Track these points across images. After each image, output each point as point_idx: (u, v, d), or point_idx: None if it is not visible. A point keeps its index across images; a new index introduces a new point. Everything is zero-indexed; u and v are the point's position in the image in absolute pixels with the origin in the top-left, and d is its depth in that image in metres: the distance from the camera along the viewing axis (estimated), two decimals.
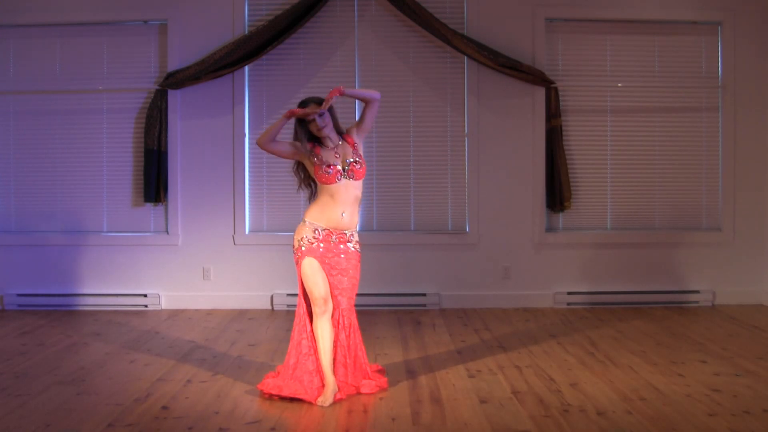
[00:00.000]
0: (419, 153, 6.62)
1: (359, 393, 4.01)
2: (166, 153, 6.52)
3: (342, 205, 4.00)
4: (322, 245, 3.99)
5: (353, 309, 4.10)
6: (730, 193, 6.65)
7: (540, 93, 6.55)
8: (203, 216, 6.59)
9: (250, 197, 6.62)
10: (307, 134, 4.03)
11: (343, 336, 4.04)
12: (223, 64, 6.35)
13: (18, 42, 6.62)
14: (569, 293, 6.57)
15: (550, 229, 6.67)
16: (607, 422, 3.55)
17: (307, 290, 3.99)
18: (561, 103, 6.57)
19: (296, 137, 4.04)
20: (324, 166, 3.97)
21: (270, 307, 6.57)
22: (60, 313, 6.38)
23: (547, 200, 6.60)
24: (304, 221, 4.03)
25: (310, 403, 3.83)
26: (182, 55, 6.52)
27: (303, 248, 3.98)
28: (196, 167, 6.59)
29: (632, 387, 4.10)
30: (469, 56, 6.42)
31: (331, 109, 4.04)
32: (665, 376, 4.32)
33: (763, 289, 6.62)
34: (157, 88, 6.49)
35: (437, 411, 3.74)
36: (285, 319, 6.04)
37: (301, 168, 4.14)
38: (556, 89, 6.49)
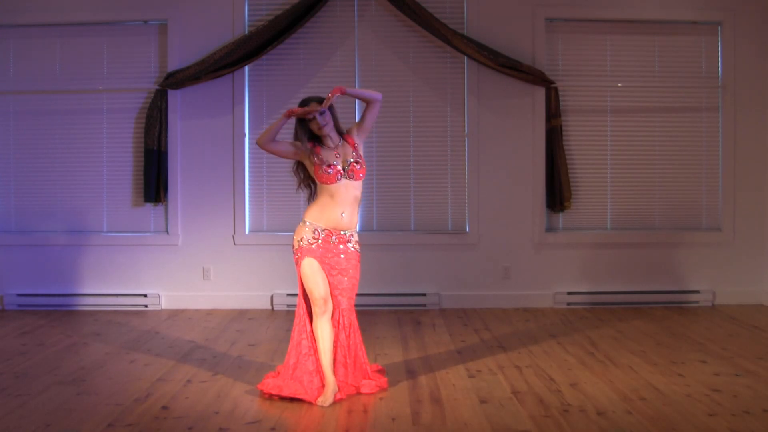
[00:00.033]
0: (419, 153, 6.62)
1: (359, 393, 4.01)
2: (166, 153, 6.52)
3: (342, 206, 4.00)
4: (321, 245, 3.99)
5: (353, 309, 4.10)
6: (730, 193, 6.65)
7: (540, 93, 6.55)
8: (203, 216, 6.59)
9: (250, 197, 6.63)
10: (308, 134, 4.03)
11: (343, 336, 4.04)
12: (223, 64, 6.35)
13: (18, 42, 6.62)
14: (569, 293, 6.57)
15: (550, 229, 6.67)
16: (607, 422, 3.55)
17: (307, 290, 3.99)
18: (561, 103, 6.57)
19: (296, 137, 4.04)
20: (324, 166, 3.97)
21: (270, 307, 6.57)
22: (60, 313, 6.38)
23: (547, 200, 6.60)
24: (304, 221, 4.03)
25: (310, 403, 3.83)
26: (182, 55, 6.52)
27: (303, 248, 3.98)
28: (196, 167, 6.60)
29: (632, 387, 4.10)
30: (469, 56, 6.42)
31: (331, 109, 4.04)
32: (665, 376, 4.32)
33: (763, 289, 6.62)
34: (157, 88, 6.49)
35: (437, 411, 3.74)
36: (285, 319, 6.04)
37: (300, 168, 4.14)
38: (556, 89, 6.49)
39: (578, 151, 6.66)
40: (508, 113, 6.59)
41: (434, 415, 3.68)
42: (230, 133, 6.57)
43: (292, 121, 4.05)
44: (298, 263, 4.01)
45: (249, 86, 6.59)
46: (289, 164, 4.26)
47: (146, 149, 6.46)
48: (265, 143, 3.96)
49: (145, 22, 6.61)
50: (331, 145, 4.04)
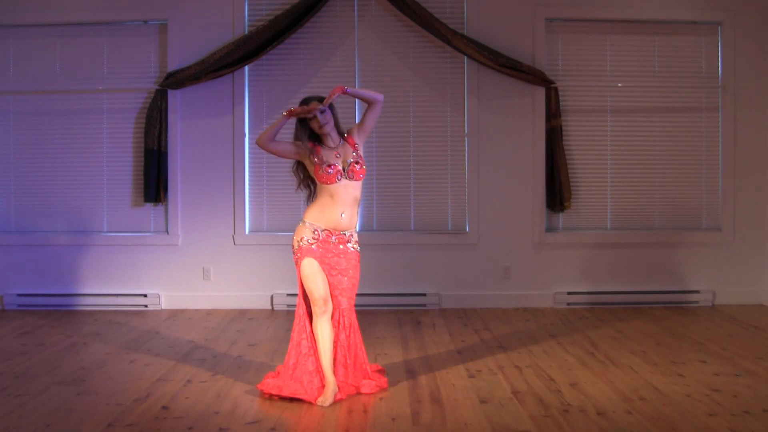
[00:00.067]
0: (419, 153, 6.62)
1: (359, 393, 4.01)
2: (166, 153, 6.52)
3: (341, 206, 4.00)
4: (321, 246, 3.99)
5: (353, 309, 4.10)
6: (730, 193, 6.65)
7: (540, 93, 6.55)
8: (203, 216, 6.59)
9: (250, 197, 6.63)
10: (308, 133, 4.03)
11: (343, 336, 4.04)
12: (223, 64, 6.35)
13: (18, 42, 6.62)
14: (569, 293, 6.57)
15: (550, 229, 6.67)
16: (607, 422, 3.55)
17: (307, 291, 3.98)
18: (561, 103, 6.57)
19: (297, 136, 4.04)
20: (324, 166, 3.97)
21: (270, 307, 6.57)
22: (60, 313, 6.38)
23: (547, 200, 6.60)
24: (304, 222, 4.03)
25: (310, 403, 3.83)
26: (182, 55, 6.52)
27: (303, 248, 3.98)
28: (196, 167, 6.60)
29: (632, 387, 4.10)
30: (469, 56, 6.43)
31: (332, 108, 4.04)
32: (665, 376, 4.32)
33: (763, 289, 6.62)
34: (157, 88, 6.49)
35: (437, 411, 3.74)
36: (285, 319, 6.04)
37: (300, 168, 4.14)
38: (556, 89, 6.49)
39: (578, 151, 6.66)
40: (508, 113, 6.59)
41: (434, 415, 3.68)
42: (230, 133, 6.57)
43: (293, 121, 4.06)
44: (297, 263, 4.01)
45: (249, 86, 6.59)
46: (289, 164, 4.26)
47: (146, 149, 6.46)
48: (264, 143, 3.96)
49: (145, 22, 6.61)
50: (332, 145, 4.04)
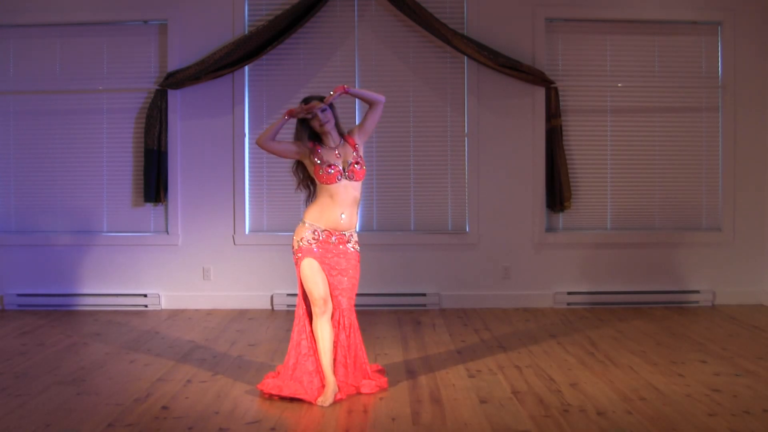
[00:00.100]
0: (419, 153, 6.62)
1: (359, 393, 4.01)
2: (166, 153, 6.52)
3: (341, 206, 4.00)
4: (321, 246, 3.99)
5: (353, 309, 4.10)
6: (730, 193, 6.65)
7: (540, 93, 6.55)
8: (203, 216, 6.59)
9: (250, 197, 6.63)
10: (309, 133, 4.04)
11: (343, 336, 4.04)
12: (223, 64, 6.35)
13: (18, 42, 6.62)
14: (569, 293, 6.57)
15: (550, 229, 6.67)
16: (607, 422, 3.54)
17: (307, 291, 3.98)
18: (561, 103, 6.57)
19: (297, 136, 4.04)
20: (324, 166, 3.97)
21: (270, 307, 6.57)
22: (60, 313, 6.38)
23: (547, 200, 6.60)
24: (304, 222, 4.03)
25: (310, 403, 3.83)
26: (182, 55, 6.52)
27: (303, 249, 3.98)
28: (196, 167, 6.60)
29: (632, 387, 4.10)
30: (469, 56, 6.43)
31: (332, 108, 4.04)
32: (665, 376, 4.32)
33: (763, 289, 6.62)
34: (157, 88, 6.49)
35: (437, 411, 3.74)
36: (285, 319, 6.04)
37: (300, 168, 4.13)
38: (556, 89, 6.49)
39: (578, 151, 6.66)
40: (508, 113, 6.59)
41: (434, 415, 3.68)
42: (230, 133, 6.57)
43: (293, 121, 4.06)
44: (297, 264, 4.01)
45: (249, 86, 6.59)
46: (289, 164, 4.26)
47: (146, 149, 6.46)
48: (264, 142, 3.96)
49: (145, 22, 6.61)
50: (332, 144, 4.04)
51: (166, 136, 6.52)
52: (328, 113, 4.00)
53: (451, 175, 6.64)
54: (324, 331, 3.95)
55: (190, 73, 6.39)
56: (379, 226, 6.65)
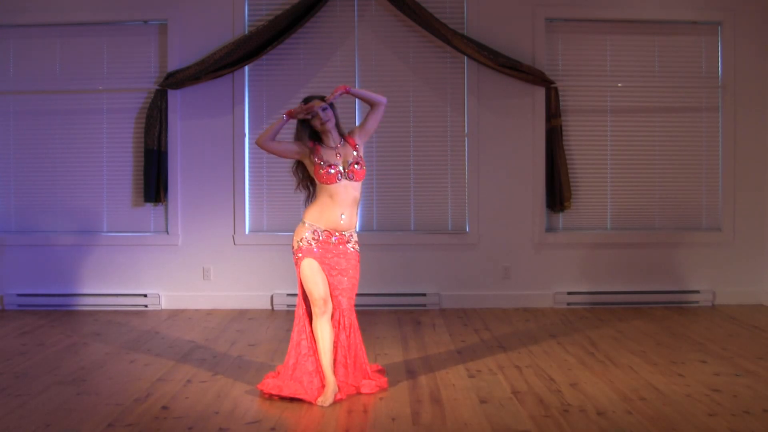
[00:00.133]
0: (419, 153, 6.62)
1: (359, 393, 4.01)
2: (166, 153, 6.52)
3: (341, 207, 4.00)
4: (321, 246, 3.99)
5: (353, 309, 4.10)
6: (730, 193, 6.65)
7: (540, 93, 6.55)
8: (203, 216, 6.59)
9: (250, 197, 6.63)
10: (309, 132, 4.04)
11: (343, 336, 4.04)
12: (223, 64, 6.35)
13: (18, 42, 6.62)
14: (569, 293, 6.57)
15: (550, 229, 6.67)
16: (607, 422, 3.55)
17: (307, 291, 3.98)
18: (561, 103, 6.57)
19: (298, 136, 4.05)
20: (325, 166, 3.97)
21: (270, 307, 6.57)
22: (60, 313, 6.38)
23: (547, 200, 6.60)
24: (304, 222, 4.03)
25: (310, 403, 3.83)
26: (182, 55, 6.52)
27: (302, 249, 3.98)
28: (196, 167, 6.60)
29: (632, 387, 4.10)
30: (469, 56, 6.43)
31: (333, 108, 4.05)
32: (665, 376, 4.32)
33: (763, 289, 6.62)
34: (157, 88, 6.49)
35: (437, 411, 3.74)
36: (285, 319, 6.04)
37: (300, 168, 4.13)
38: (556, 89, 6.49)
39: (578, 151, 6.66)
40: (508, 113, 6.59)
41: (434, 415, 3.68)
42: (230, 133, 6.57)
43: (293, 121, 4.06)
44: (297, 264, 4.01)
45: (249, 86, 6.59)
46: (289, 164, 4.26)
47: (146, 149, 6.46)
48: (264, 142, 3.96)
49: (145, 22, 6.61)
50: (332, 144, 4.04)
51: (166, 136, 6.52)
52: (329, 112, 4.00)
53: (451, 175, 6.64)
54: (324, 331, 3.95)
55: (190, 73, 6.39)
56: (379, 226, 6.65)
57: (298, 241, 4.00)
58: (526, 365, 4.60)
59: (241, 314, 6.31)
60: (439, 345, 5.17)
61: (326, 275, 3.99)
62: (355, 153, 4.06)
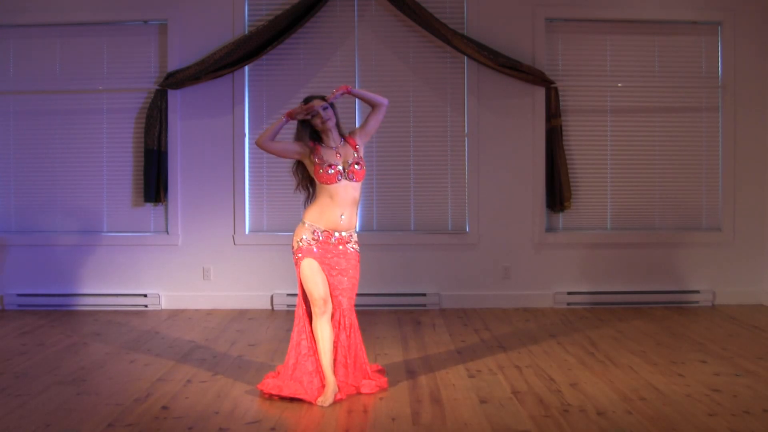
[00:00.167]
0: (419, 153, 6.62)
1: (359, 393, 4.01)
2: (166, 153, 6.52)
3: (341, 207, 4.00)
4: (321, 246, 3.99)
5: (353, 309, 4.10)
6: (730, 193, 6.65)
7: (540, 93, 6.55)
8: (203, 216, 6.59)
9: (250, 197, 6.63)
10: (309, 133, 4.04)
11: (343, 336, 4.04)
12: (223, 64, 6.35)
13: (18, 42, 6.62)
14: (569, 293, 6.57)
15: (550, 229, 6.67)
16: (607, 422, 3.55)
17: (307, 291, 3.98)
18: (561, 103, 6.57)
19: (298, 136, 4.05)
20: (325, 166, 3.97)
21: (270, 307, 6.57)
22: (60, 313, 6.38)
23: (547, 200, 6.60)
24: (303, 223, 4.03)
25: (310, 403, 3.83)
26: (182, 55, 6.52)
27: (302, 249, 3.98)
28: (196, 167, 6.60)
29: (632, 387, 4.10)
30: (469, 56, 6.43)
31: (333, 108, 4.05)
32: (665, 376, 4.32)
33: (763, 289, 6.62)
34: (157, 88, 6.49)
35: (437, 411, 3.74)
36: (285, 319, 6.04)
37: (300, 168, 4.13)
38: (556, 89, 6.49)
39: (578, 151, 6.66)
40: (508, 113, 6.59)
41: (434, 415, 3.68)
42: (230, 133, 6.57)
43: (293, 122, 4.06)
44: (297, 264, 4.01)
45: (249, 86, 6.59)
46: (289, 164, 4.26)
47: (146, 149, 6.46)
48: (264, 143, 3.96)
49: (145, 22, 6.61)
50: (332, 144, 4.04)
51: (166, 136, 6.52)
52: (330, 111, 4.01)
53: (451, 175, 6.64)
54: (324, 331, 3.95)
55: (190, 73, 6.39)
56: (379, 226, 6.65)
57: (297, 241, 4.00)
58: (526, 365, 4.60)
59: (241, 314, 6.31)
60: (439, 345, 5.17)
61: (326, 275, 3.99)
62: (355, 153, 4.07)
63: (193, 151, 6.59)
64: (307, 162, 4.05)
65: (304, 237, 3.99)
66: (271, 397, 3.93)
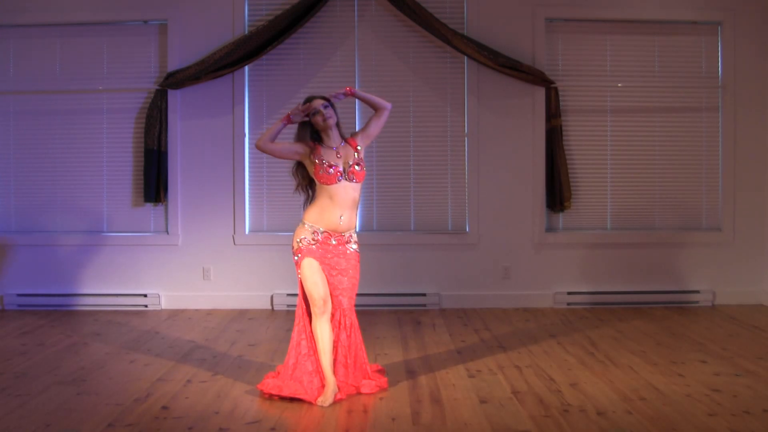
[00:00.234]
0: (419, 153, 6.62)
1: (359, 393, 4.01)
2: (166, 153, 6.52)
3: (341, 208, 4.00)
4: (321, 246, 3.99)
5: (353, 309, 4.10)
6: (730, 193, 6.65)
7: (540, 93, 6.55)
8: (203, 216, 6.59)
9: (250, 197, 6.63)
10: (310, 133, 4.04)
11: (344, 336, 4.04)
12: (223, 64, 6.35)
13: (18, 42, 6.62)
14: (569, 293, 6.57)
15: (550, 229, 6.67)
16: (607, 422, 3.55)
17: (307, 291, 3.98)
18: (561, 103, 6.57)
19: (299, 136, 4.05)
20: (325, 166, 3.97)
21: (270, 307, 6.57)
22: (60, 313, 6.38)
23: (547, 200, 6.60)
24: (303, 223, 4.03)
25: (310, 403, 3.83)
26: (182, 55, 6.52)
27: (303, 249, 3.98)
28: (196, 167, 6.60)
29: (632, 387, 4.10)
30: (469, 56, 6.42)
31: (333, 108, 4.05)
32: (665, 376, 4.32)
33: (763, 289, 6.62)
34: (157, 88, 6.49)
35: (437, 411, 3.74)
36: (285, 319, 6.04)
37: (300, 169, 4.13)
38: (556, 89, 6.49)
39: (578, 151, 6.66)
40: (508, 113, 6.59)
41: (434, 415, 3.68)
42: (230, 133, 6.57)
43: (291, 125, 4.06)
44: (298, 264, 4.01)
45: (249, 86, 6.59)
46: (289, 164, 4.26)
47: (146, 149, 6.46)
48: (264, 145, 3.96)
49: (145, 22, 6.61)
50: (333, 145, 4.04)
51: (166, 136, 6.52)
52: (330, 110, 4.01)
53: (451, 175, 6.64)
54: (323, 331, 3.95)
55: (190, 73, 6.39)
56: (379, 226, 6.65)
57: (298, 242, 4.00)
58: (526, 365, 4.60)
59: (241, 314, 6.31)
60: (439, 345, 5.17)
61: (326, 275, 3.99)
62: (355, 154, 4.07)
63: (193, 151, 6.59)
64: (307, 162, 4.05)
65: (305, 237, 3.99)
66: (271, 397, 3.93)
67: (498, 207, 6.59)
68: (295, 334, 4.04)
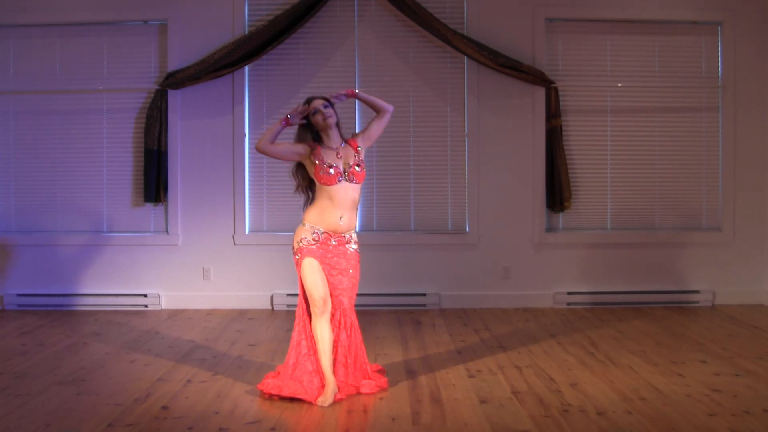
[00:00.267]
0: (419, 153, 6.62)
1: (359, 393, 4.01)
2: (166, 153, 6.52)
3: (340, 209, 4.00)
4: (321, 246, 3.99)
5: (354, 309, 4.10)
6: (730, 193, 6.65)
7: (540, 93, 6.55)
8: (203, 216, 6.59)
9: (250, 197, 6.63)
10: (310, 134, 4.04)
11: (344, 336, 4.04)
12: (223, 64, 6.35)
13: (18, 42, 6.62)
14: (569, 293, 6.57)
15: (550, 229, 6.67)
16: (607, 422, 3.55)
17: (306, 291, 3.98)
18: (561, 103, 6.57)
19: (299, 137, 4.05)
20: (325, 166, 3.97)
21: (270, 307, 6.57)
22: (60, 313, 6.38)
23: (547, 200, 6.60)
24: (304, 224, 4.04)
25: (310, 403, 3.83)
26: (182, 55, 6.52)
27: (303, 249, 3.98)
28: (196, 167, 6.60)
29: (632, 387, 4.10)
30: (469, 56, 6.42)
31: (333, 108, 4.05)
32: (665, 376, 4.32)
33: (763, 289, 6.62)
34: (157, 88, 6.49)
35: (437, 411, 3.74)
36: (285, 319, 6.04)
37: (300, 170, 4.13)
38: (556, 89, 6.49)
39: (578, 151, 6.66)
40: (508, 113, 6.59)
41: (434, 415, 3.68)
42: (230, 133, 6.57)
43: (291, 127, 4.06)
44: (298, 264, 4.01)
45: (249, 86, 6.59)
46: (289, 165, 4.26)
47: (146, 149, 6.46)
48: (264, 146, 3.96)
49: (145, 22, 6.62)
50: (333, 146, 4.04)
51: (166, 136, 6.52)
52: (330, 109, 4.01)
53: (451, 175, 6.64)
54: (323, 331, 3.95)
55: (190, 73, 6.39)
56: (379, 226, 6.65)
57: (298, 242, 4.01)
58: (526, 365, 4.60)
59: (241, 314, 6.31)
60: (439, 345, 5.17)
61: (326, 275, 3.99)
62: (356, 155, 4.07)
63: (193, 151, 6.59)
64: (307, 163, 4.05)
65: (305, 237, 3.99)
66: (271, 397, 3.93)
67: (498, 207, 6.59)
68: (295, 334, 4.04)
